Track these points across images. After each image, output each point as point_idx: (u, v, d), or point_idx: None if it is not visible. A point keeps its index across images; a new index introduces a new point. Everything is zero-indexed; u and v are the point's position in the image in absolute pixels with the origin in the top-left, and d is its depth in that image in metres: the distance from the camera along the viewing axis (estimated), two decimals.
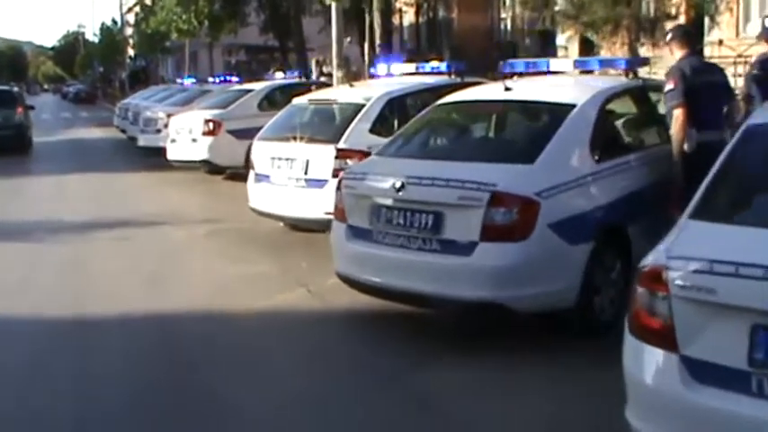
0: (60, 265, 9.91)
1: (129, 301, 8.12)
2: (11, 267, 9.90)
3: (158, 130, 19.52)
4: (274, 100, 17.01)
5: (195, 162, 16.28)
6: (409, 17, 44.64)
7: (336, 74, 15.42)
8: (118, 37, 73.66)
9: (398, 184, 6.42)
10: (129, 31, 69.04)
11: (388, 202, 6.57)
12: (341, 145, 9.41)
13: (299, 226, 10.34)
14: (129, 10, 57.96)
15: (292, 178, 9.80)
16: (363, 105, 9.79)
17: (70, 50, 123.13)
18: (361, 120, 9.65)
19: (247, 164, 15.94)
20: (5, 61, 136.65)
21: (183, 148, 16.46)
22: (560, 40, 23.06)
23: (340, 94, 10.38)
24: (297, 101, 10.96)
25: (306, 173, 9.66)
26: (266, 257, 9.75)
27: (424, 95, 10.35)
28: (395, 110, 10.02)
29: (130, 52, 72.66)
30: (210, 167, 16.38)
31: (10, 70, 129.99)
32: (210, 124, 15.99)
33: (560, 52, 23.94)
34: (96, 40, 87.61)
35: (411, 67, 11.49)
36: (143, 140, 20.35)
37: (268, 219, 10.58)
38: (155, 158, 19.21)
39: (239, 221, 11.72)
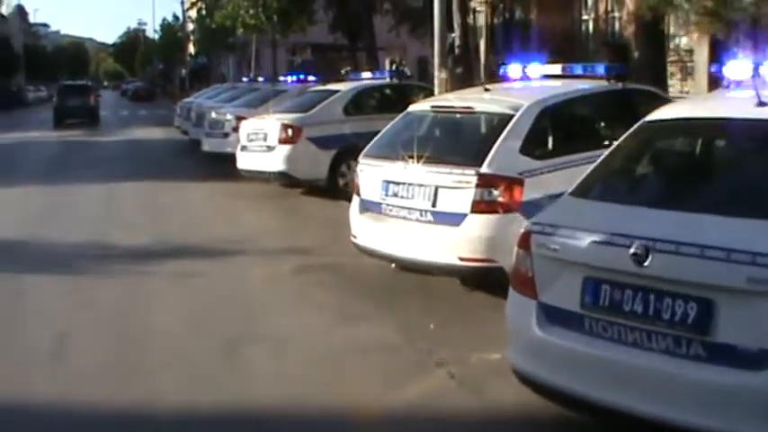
0: (107, 314, 7.67)
1: (197, 384, 5.84)
2: (44, 318, 7.66)
3: (226, 134, 17.31)
4: (363, 103, 14.78)
5: (270, 174, 13.99)
6: (482, 18, 42.34)
7: (440, 75, 13.09)
8: (179, 33, 72.30)
9: (638, 251, 4.00)
10: (190, 27, 67.67)
11: (619, 277, 4.15)
12: (485, 169, 7.07)
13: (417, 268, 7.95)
14: (192, 5, 56.11)
15: (414, 210, 7.47)
16: (510, 117, 7.42)
17: (130, 47, 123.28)
18: (509, 136, 7.29)
19: (331, 177, 13.88)
20: (68, 58, 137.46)
21: (257, 156, 14.22)
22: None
23: (475, 101, 7.98)
24: (415, 108, 8.60)
25: (434, 204, 7.33)
26: (378, 311, 7.41)
27: (583, 105, 8.03)
28: (551, 123, 7.68)
29: (191, 50, 71.41)
30: (287, 180, 14.08)
31: (72, 67, 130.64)
32: (289, 130, 13.72)
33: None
34: (156, 37, 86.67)
35: (555, 68, 9.05)
36: (208, 145, 18.15)
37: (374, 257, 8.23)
38: (221, 166, 17.03)
39: (332, 253, 9.48)
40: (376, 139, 8.46)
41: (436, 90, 13.41)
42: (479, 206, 7.06)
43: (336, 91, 14.73)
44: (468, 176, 7.09)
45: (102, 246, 10.44)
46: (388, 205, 7.73)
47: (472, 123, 7.98)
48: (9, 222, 12.37)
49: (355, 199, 8.25)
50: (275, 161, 13.75)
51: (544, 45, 31.83)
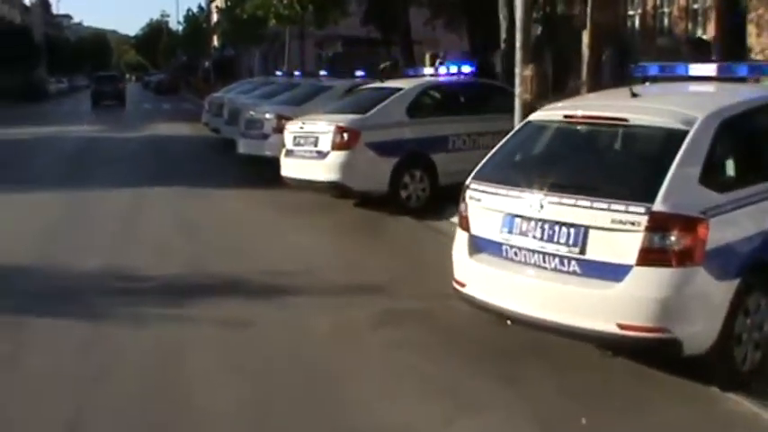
0: (130, 388, 5.73)
1: None
2: (44, 395, 5.71)
3: (265, 135, 15.39)
4: (429, 104, 12.85)
5: (321, 183, 12.05)
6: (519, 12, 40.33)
7: (523, 72, 11.12)
8: (204, 25, 70.61)
9: None
10: (215, 18, 66.08)
11: None
12: (659, 206, 5.12)
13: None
14: None
15: (553, 256, 5.54)
16: (683, 134, 5.45)
17: (153, 39, 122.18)
18: (686, 160, 5.34)
19: (392, 189, 11.94)
20: (90, 50, 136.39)
21: (305, 163, 12.29)
22: None
23: (627, 110, 5.94)
24: (539, 117, 6.57)
25: (582, 250, 5.38)
26: (500, 389, 5.56)
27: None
28: (734, 142, 5.75)
29: (215, 42, 69.83)
30: (342, 192, 12.14)
31: (94, 58, 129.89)
32: (345, 134, 11.79)
33: None
34: (179, 29, 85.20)
35: (705, 68, 7.03)
36: (245, 147, 16.21)
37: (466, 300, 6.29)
38: (260, 170, 15.22)
39: (414, 294, 7.70)
40: (489, 156, 6.48)
41: (517, 90, 11.40)
42: (650, 256, 5.11)
43: (397, 89, 12.74)
44: (636, 215, 5.13)
45: (124, 276, 8.56)
46: (512, 247, 5.78)
47: (628, 141, 5.98)
48: (12, 240, 10.50)
49: (461, 236, 6.29)
50: (328, 169, 11.83)
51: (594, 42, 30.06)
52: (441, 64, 27.45)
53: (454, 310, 6.87)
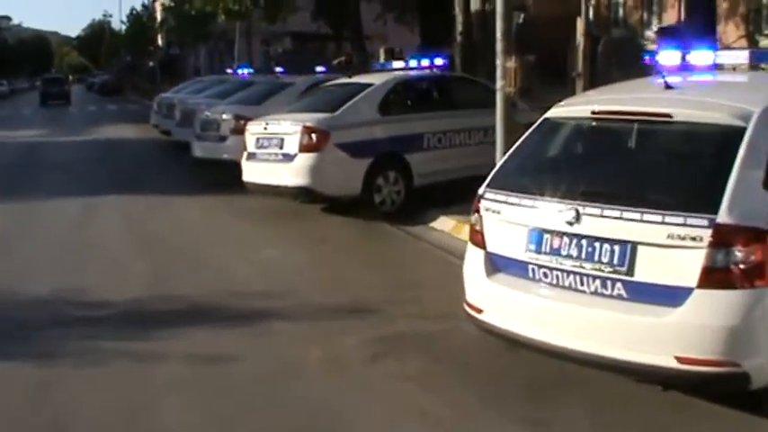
0: None
1: None
2: None
3: (222, 138, 14.39)
4: (402, 101, 11.93)
5: (289, 188, 11.09)
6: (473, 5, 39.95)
7: (505, 63, 10.25)
8: (149, 23, 69.00)
9: None
10: (159, 17, 64.64)
11: None
12: (724, 218, 4.31)
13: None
14: None
15: (593, 278, 4.70)
16: (741, 131, 4.63)
17: (95, 40, 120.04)
18: (747, 163, 4.53)
19: (365, 192, 11.05)
20: (31, 51, 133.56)
21: (270, 167, 11.32)
22: None
23: (668, 104, 5.05)
24: (559, 114, 5.63)
25: (629, 271, 4.57)
26: None
27: None
28: None
29: (159, 42, 68.40)
30: (311, 197, 11.19)
31: (35, 60, 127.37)
32: (313, 135, 10.85)
33: None
34: (122, 28, 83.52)
35: (736, 55, 6.23)
36: (200, 150, 15.13)
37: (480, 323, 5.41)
38: (217, 174, 14.24)
39: (407, 314, 6.85)
40: (504, 161, 5.61)
41: (498, 83, 10.54)
42: (714, 276, 4.30)
43: (367, 85, 11.82)
44: (697, 229, 4.30)
45: (77, 302, 7.53)
46: (540, 267, 4.92)
47: (673, 140, 5.11)
48: None
49: (475, 253, 5.40)
50: (295, 173, 10.88)
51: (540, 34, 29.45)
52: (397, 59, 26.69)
53: (460, 335, 6.04)
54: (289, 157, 10.99)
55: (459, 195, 11.10)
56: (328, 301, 7.33)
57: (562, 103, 5.80)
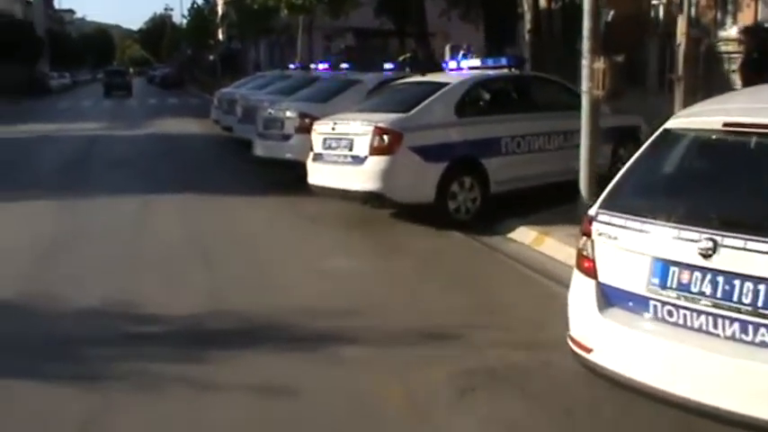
0: None
1: None
2: None
3: (286, 137, 13.73)
4: (479, 101, 11.20)
5: (358, 193, 10.41)
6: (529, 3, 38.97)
7: (592, 64, 9.37)
8: (210, 17, 69.01)
9: None
10: (220, 10, 64.59)
11: None
12: None
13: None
14: None
15: (732, 321, 3.93)
16: None
17: (157, 33, 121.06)
18: None
19: (439, 200, 10.35)
20: (93, 45, 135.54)
21: (338, 169, 10.66)
22: None
23: None
24: (682, 126, 4.79)
25: None
26: None
27: None
28: None
29: (220, 35, 68.35)
30: (381, 202, 10.49)
31: (98, 54, 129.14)
32: (385, 137, 10.14)
33: None
34: (183, 22, 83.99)
35: None
36: (263, 149, 14.49)
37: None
38: (281, 174, 13.65)
39: (500, 343, 6.11)
40: (621, 178, 4.81)
41: (584, 86, 9.74)
42: None
43: (443, 84, 11.07)
44: None
45: (127, 317, 6.91)
46: (664, 304, 4.14)
47: None
48: None
49: (584, 282, 4.63)
50: (366, 177, 10.19)
51: (616, 32, 28.49)
52: (464, 56, 25.90)
53: (558, 371, 5.30)
54: (358, 160, 10.30)
55: (536, 203, 10.39)
56: (403, 324, 6.61)
57: (683, 112, 5.00)
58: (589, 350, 4.55)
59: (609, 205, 4.62)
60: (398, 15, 40.46)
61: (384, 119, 10.36)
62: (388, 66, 16.63)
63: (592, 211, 4.68)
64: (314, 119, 12.27)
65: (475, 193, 10.58)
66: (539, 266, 8.45)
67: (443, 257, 9.06)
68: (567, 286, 4.89)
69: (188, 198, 12.86)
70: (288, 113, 13.94)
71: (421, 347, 6.05)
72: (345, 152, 10.49)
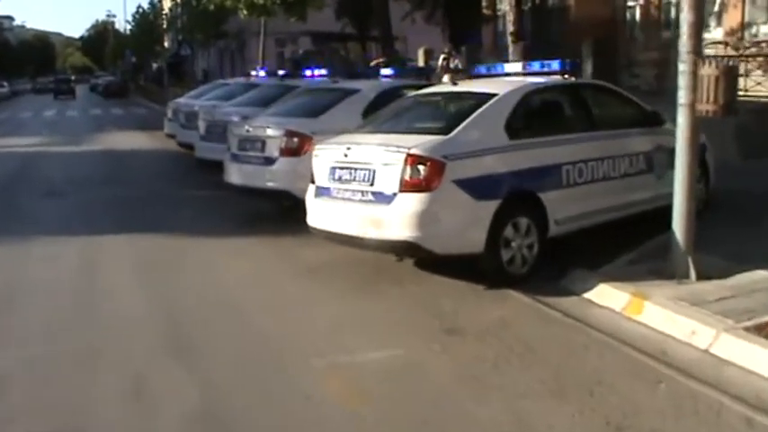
0: None
1: None
2: None
3: (268, 160, 10.96)
4: (532, 118, 8.61)
5: (384, 242, 7.72)
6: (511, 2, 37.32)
7: (698, 69, 6.78)
8: (158, 21, 66.18)
9: None
10: (167, 15, 62.15)
11: None
12: None
13: None
14: None
15: None
16: None
17: (99, 41, 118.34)
18: None
19: (491, 248, 7.68)
20: (34, 52, 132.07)
21: (353, 210, 7.95)
22: None
23: None
24: None
25: None
26: None
27: None
28: None
29: (166, 43, 65.82)
30: (414, 254, 7.84)
31: (38, 61, 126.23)
32: (421, 167, 7.48)
33: None
34: (127, 28, 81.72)
35: None
36: (239, 176, 11.50)
37: None
38: (265, 205, 10.97)
39: None
40: None
41: (684, 98, 7.19)
42: None
43: (487, 96, 8.40)
44: None
45: None
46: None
47: None
48: None
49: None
50: (395, 222, 7.50)
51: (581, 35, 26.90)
52: (445, 60, 23.37)
53: None
54: (383, 198, 7.62)
55: (591, 242, 7.96)
56: None
57: None
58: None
59: None
60: (361, 18, 38.44)
61: (418, 143, 7.67)
62: (385, 71, 13.90)
63: None
64: (304, 138, 9.83)
65: (532, 237, 8.02)
66: (653, 350, 5.95)
67: (518, 339, 6.40)
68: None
69: (146, 242, 10.07)
70: (269, 131, 11.17)
71: None
72: (365, 187, 7.80)
